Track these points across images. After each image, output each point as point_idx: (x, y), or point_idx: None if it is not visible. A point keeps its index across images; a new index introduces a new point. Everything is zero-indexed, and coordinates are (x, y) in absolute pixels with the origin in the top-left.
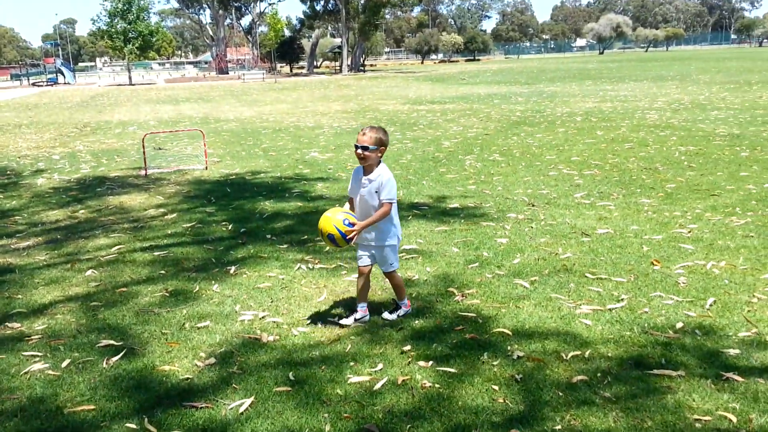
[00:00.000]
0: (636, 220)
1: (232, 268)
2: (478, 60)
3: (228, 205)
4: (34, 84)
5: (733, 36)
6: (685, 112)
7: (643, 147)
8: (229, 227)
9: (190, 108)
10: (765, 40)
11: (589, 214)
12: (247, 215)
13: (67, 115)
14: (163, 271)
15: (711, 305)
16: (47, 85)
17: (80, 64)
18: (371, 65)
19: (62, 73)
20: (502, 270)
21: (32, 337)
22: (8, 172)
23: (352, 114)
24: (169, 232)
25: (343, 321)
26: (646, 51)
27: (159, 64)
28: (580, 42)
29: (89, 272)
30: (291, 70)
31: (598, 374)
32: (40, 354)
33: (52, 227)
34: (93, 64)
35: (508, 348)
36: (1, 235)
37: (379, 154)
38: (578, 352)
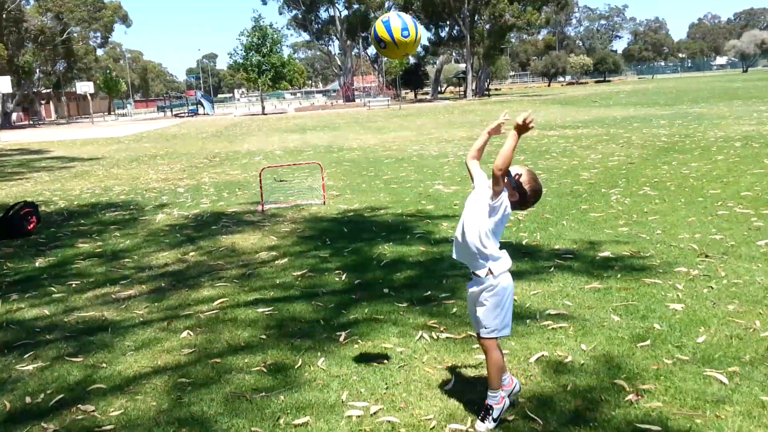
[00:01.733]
0: None
1: (342, 335)
2: (609, 81)
3: (343, 248)
4: (176, 115)
5: None
6: None
7: None
8: (343, 277)
9: (316, 136)
10: None
11: None
12: (364, 262)
13: (200, 145)
14: (264, 336)
15: None
16: (188, 116)
17: (219, 96)
18: (496, 89)
19: (202, 105)
20: (684, 353)
21: (102, 428)
22: (131, 207)
23: None
24: (278, 281)
25: (478, 426)
26: None
27: (291, 93)
28: (720, 60)
29: (185, 333)
30: (415, 96)
31: None
32: None
33: (159, 273)
34: (231, 95)
35: None
36: (106, 282)
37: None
38: None
